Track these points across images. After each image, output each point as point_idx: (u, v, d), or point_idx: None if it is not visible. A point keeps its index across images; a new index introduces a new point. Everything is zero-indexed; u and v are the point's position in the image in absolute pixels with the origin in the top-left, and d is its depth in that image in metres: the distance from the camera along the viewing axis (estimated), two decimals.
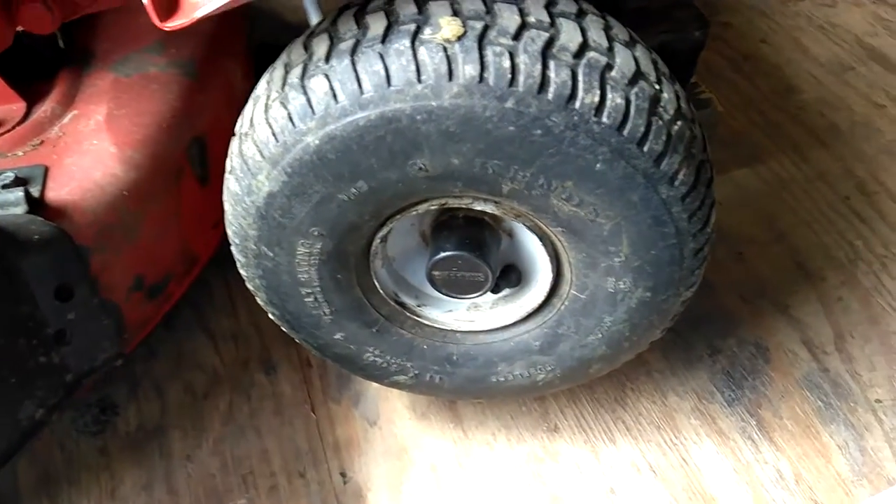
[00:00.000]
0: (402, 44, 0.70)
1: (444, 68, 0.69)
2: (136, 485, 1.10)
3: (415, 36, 0.70)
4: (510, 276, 0.92)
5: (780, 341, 1.20)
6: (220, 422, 1.15)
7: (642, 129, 0.71)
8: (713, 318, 1.23)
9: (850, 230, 1.35)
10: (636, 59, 0.73)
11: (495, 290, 0.93)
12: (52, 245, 0.91)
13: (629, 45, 0.74)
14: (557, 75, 0.69)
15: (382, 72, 0.70)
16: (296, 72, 0.76)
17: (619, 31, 0.76)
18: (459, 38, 0.69)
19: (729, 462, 1.08)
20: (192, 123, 1.10)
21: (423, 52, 0.69)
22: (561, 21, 0.72)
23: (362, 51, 0.71)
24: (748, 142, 1.51)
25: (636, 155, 0.71)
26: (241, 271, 0.90)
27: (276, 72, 0.79)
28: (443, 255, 0.86)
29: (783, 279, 1.28)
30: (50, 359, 0.94)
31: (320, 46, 0.75)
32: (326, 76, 0.72)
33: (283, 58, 0.80)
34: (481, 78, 0.68)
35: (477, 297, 0.91)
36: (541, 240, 0.84)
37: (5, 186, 0.93)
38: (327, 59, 0.73)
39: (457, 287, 0.89)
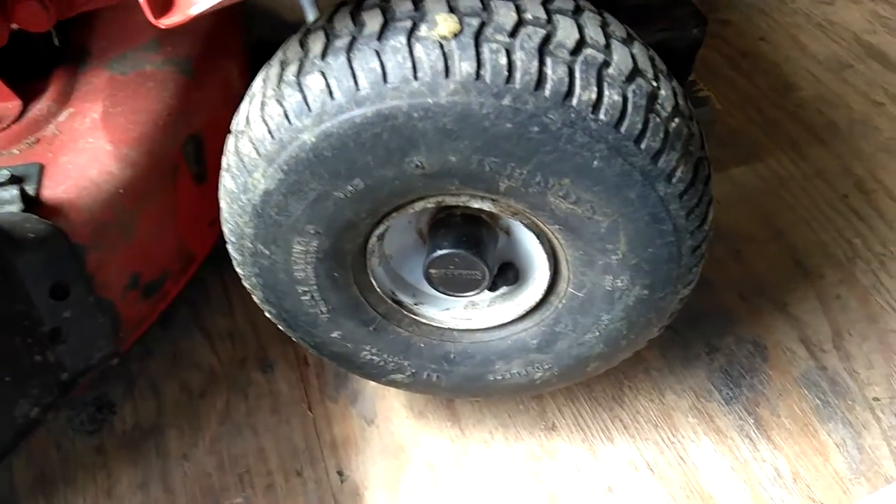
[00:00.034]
0: (399, 41, 0.70)
1: (440, 65, 0.68)
2: (132, 484, 1.09)
3: (411, 33, 0.70)
4: (507, 274, 0.92)
5: (779, 339, 1.20)
6: (217, 421, 1.15)
7: (640, 126, 0.70)
8: (711, 316, 1.23)
9: (849, 228, 1.35)
10: (633, 56, 0.73)
11: (493, 289, 0.93)
12: (48, 243, 0.91)
13: (626, 42, 0.74)
14: (554, 72, 0.68)
15: (379, 69, 0.70)
16: (292, 69, 0.75)
17: (617, 28, 0.75)
18: (456, 35, 0.69)
19: (727, 460, 1.07)
20: (189, 121, 1.09)
21: (419, 48, 0.69)
22: (558, 18, 0.72)
23: (358, 48, 0.71)
24: (746, 139, 1.51)
25: (633, 152, 0.71)
26: (238, 269, 0.90)
27: (272, 69, 0.79)
28: (440, 253, 0.86)
29: (781, 277, 1.28)
30: (45, 357, 0.94)
31: (316, 43, 0.75)
32: (322, 73, 0.72)
33: (279, 55, 0.80)
34: (478, 75, 0.68)
35: (474, 295, 0.91)
36: (538, 237, 0.84)
37: (0, 185, 0.92)
38: (323, 56, 0.73)
39: (454, 285, 0.89)
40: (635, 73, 0.72)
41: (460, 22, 0.69)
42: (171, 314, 1.25)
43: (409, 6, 0.72)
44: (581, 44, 0.70)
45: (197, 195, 1.12)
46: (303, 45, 0.77)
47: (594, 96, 0.69)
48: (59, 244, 0.92)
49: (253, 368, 1.21)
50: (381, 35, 0.71)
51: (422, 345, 0.96)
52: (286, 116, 0.73)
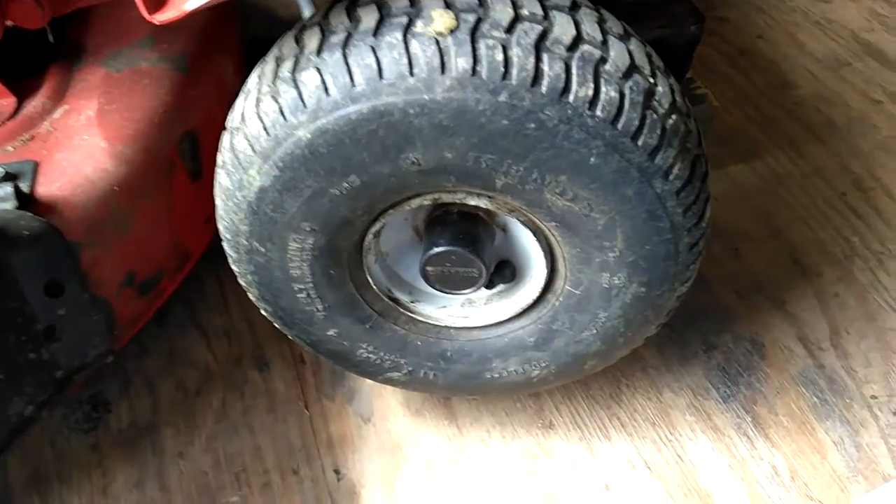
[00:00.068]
0: (394, 37, 0.69)
1: (436, 61, 0.68)
2: (127, 482, 1.09)
3: (407, 29, 0.69)
4: (504, 271, 0.92)
5: (776, 337, 1.20)
6: (213, 419, 1.15)
7: (637, 122, 0.70)
8: (709, 313, 1.23)
9: (847, 226, 1.34)
10: (630, 53, 0.73)
11: (489, 286, 0.92)
12: (42, 241, 0.90)
13: (623, 38, 0.74)
14: (551, 68, 0.68)
15: (374, 65, 0.69)
16: (287, 65, 0.75)
17: (614, 25, 0.75)
18: (452, 31, 0.69)
19: (724, 458, 1.07)
20: (184, 118, 1.09)
21: (415, 45, 0.69)
22: (554, 14, 0.71)
23: (354, 44, 0.71)
24: (744, 137, 1.50)
25: (630, 149, 0.71)
26: (233, 267, 0.89)
27: (267, 65, 0.79)
28: (436, 250, 0.85)
29: (779, 275, 1.28)
30: (40, 355, 0.93)
31: (312, 40, 0.74)
32: (318, 70, 0.71)
33: (274, 51, 0.79)
34: (474, 71, 0.68)
35: (471, 292, 0.91)
36: (535, 235, 0.84)
37: None
38: (319, 52, 0.72)
39: (451, 283, 0.89)
40: (632, 69, 0.71)
41: (456, 18, 0.69)
42: (167, 312, 1.25)
43: (405, 2, 0.71)
44: (578, 40, 0.70)
45: (193, 192, 1.11)
46: (298, 41, 0.76)
47: (591, 93, 0.68)
48: (53, 241, 0.92)
49: (249, 367, 1.21)
50: (376, 31, 0.70)
51: (418, 343, 0.96)
52: (281, 113, 0.73)
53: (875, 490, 1.02)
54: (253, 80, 0.80)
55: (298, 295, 0.88)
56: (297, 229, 0.81)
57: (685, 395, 1.14)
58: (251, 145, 0.76)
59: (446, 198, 0.82)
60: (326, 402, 1.16)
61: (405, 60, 0.68)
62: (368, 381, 1.15)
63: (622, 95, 0.69)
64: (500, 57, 0.67)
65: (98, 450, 1.12)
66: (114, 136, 1.02)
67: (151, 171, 1.04)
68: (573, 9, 0.73)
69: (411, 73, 0.68)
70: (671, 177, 0.73)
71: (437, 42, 0.68)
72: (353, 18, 0.73)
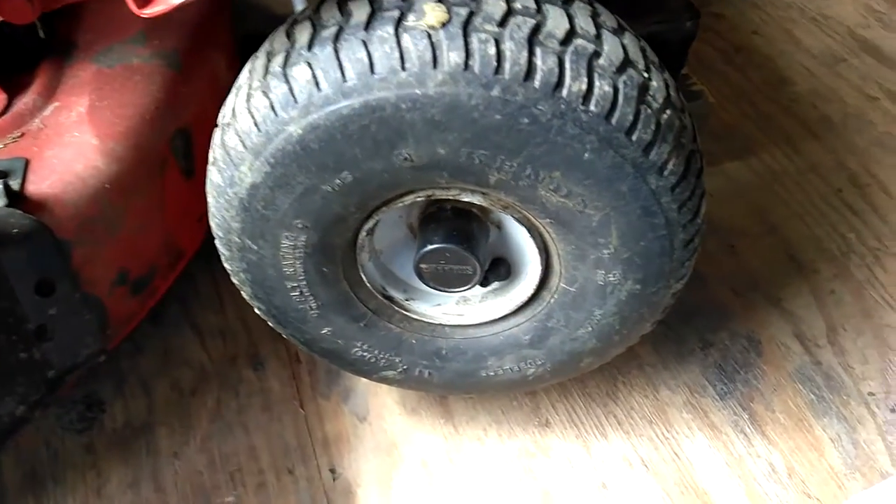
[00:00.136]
0: (386, 31, 0.69)
1: (428, 56, 0.67)
2: (122, 483, 1.08)
3: (398, 23, 0.69)
4: (499, 269, 0.91)
5: (773, 334, 1.19)
6: (208, 419, 1.14)
7: (631, 117, 0.69)
8: (705, 311, 1.22)
9: (843, 223, 1.34)
10: (624, 47, 0.72)
11: (484, 284, 0.92)
12: (32, 239, 0.89)
13: (617, 32, 0.73)
14: (544, 63, 0.67)
15: (366, 59, 0.68)
16: (278, 60, 0.74)
17: (607, 19, 0.74)
18: (444, 25, 0.68)
19: (721, 456, 1.07)
20: (176, 115, 1.08)
21: (406, 39, 0.68)
22: (547, 7, 0.71)
23: (345, 38, 0.70)
24: (740, 134, 1.50)
25: (624, 144, 0.70)
26: (226, 265, 0.88)
27: (258, 60, 0.78)
28: (430, 247, 0.85)
29: (775, 272, 1.28)
30: (31, 355, 0.92)
31: (303, 34, 0.74)
32: (309, 64, 0.71)
33: (265, 46, 0.79)
34: (466, 65, 0.67)
35: (466, 290, 0.90)
36: (529, 232, 0.83)
37: None
38: (310, 46, 0.72)
39: (445, 280, 0.88)
40: (626, 63, 0.71)
41: (448, 12, 0.68)
42: (161, 311, 1.24)
43: None
44: (571, 34, 0.69)
45: (185, 190, 1.10)
46: (289, 35, 0.76)
47: (584, 87, 0.68)
48: (43, 240, 0.91)
49: (244, 366, 1.20)
50: (368, 25, 0.70)
51: (413, 341, 0.95)
52: (272, 108, 0.72)
53: (872, 487, 1.02)
54: (244, 75, 0.79)
55: (292, 293, 0.88)
56: (290, 226, 0.80)
57: (682, 393, 1.13)
58: (242, 141, 0.75)
59: (440, 194, 0.81)
60: (322, 401, 1.16)
61: (397, 55, 0.68)
62: (364, 380, 1.15)
63: (616, 90, 0.69)
64: (492, 51, 0.67)
65: (92, 450, 1.12)
66: (105, 134, 1.01)
67: (143, 168, 1.03)
68: (566, 2, 0.73)
69: (403, 68, 0.68)
70: (666, 172, 0.72)
71: (429, 36, 0.68)
72: (345, 12, 0.72)
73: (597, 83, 0.68)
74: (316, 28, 0.73)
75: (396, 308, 0.94)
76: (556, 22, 0.70)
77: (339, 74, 0.69)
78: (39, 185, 0.94)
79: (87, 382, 1.17)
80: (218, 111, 0.82)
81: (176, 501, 1.06)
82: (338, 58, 0.69)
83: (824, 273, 1.27)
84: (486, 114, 0.68)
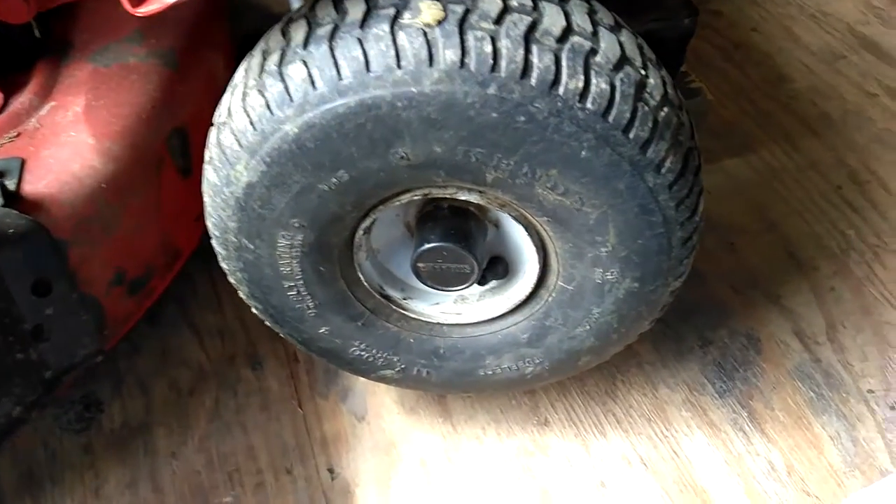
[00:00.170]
0: (382, 28, 0.68)
1: (424, 53, 0.67)
2: (120, 483, 1.08)
3: (394, 20, 0.68)
4: (497, 267, 0.91)
5: (772, 332, 1.19)
6: (206, 418, 1.14)
7: (628, 115, 0.69)
8: (704, 308, 1.22)
9: (842, 220, 1.34)
10: (621, 44, 0.72)
11: (482, 282, 0.91)
12: (29, 239, 0.89)
13: (614, 29, 0.73)
14: (540, 60, 0.67)
15: (361, 57, 0.68)
16: (273, 58, 0.74)
17: (604, 16, 0.74)
18: (440, 23, 0.68)
19: (720, 454, 1.06)
20: (173, 114, 1.08)
21: (402, 36, 0.68)
22: (544, 5, 0.70)
23: (341, 36, 0.70)
24: (739, 131, 1.50)
25: (622, 142, 0.70)
26: (223, 265, 0.88)
27: (253, 59, 0.77)
28: (427, 246, 0.84)
29: (775, 269, 1.27)
30: (28, 355, 0.92)
31: (298, 32, 0.73)
32: (304, 63, 0.70)
33: (261, 45, 0.78)
34: (462, 63, 0.66)
35: (463, 289, 0.90)
36: (527, 230, 0.83)
37: None
38: (305, 44, 0.71)
39: (443, 279, 0.88)
40: (623, 61, 0.70)
41: (444, 9, 0.68)
42: (159, 311, 1.23)
43: None
44: (568, 31, 0.69)
45: (182, 189, 1.10)
46: (285, 33, 0.75)
47: (581, 85, 0.67)
48: (40, 240, 0.91)
49: (242, 365, 1.20)
50: (363, 23, 0.69)
51: (411, 340, 0.95)
52: (268, 107, 0.72)
53: (872, 485, 1.01)
54: (240, 74, 0.79)
55: (289, 293, 0.87)
56: (286, 226, 0.80)
57: (681, 391, 1.13)
58: (238, 140, 0.75)
59: (437, 193, 0.81)
60: (320, 400, 1.15)
61: (392, 52, 0.67)
62: (362, 380, 1.14)
63: (613, 87, 0.68)
64: (488, 49, 0.66)
65: (90, 450, 1.12)
66: (101, 133, 1.01)
67: (140, 167, 1.03)
68: (563, 0, 0.72)
69: (399, 66, 0.67)
70: (663, 170, 0.72)
71: (425, 33, 0.67)
72: (340, 10, 0.72)
73: (593, 81, 0.68)
74: (311, 26, 0.72)
75: (394, 307, 0.94)
76: (553, 19, 0.69)
77: (334, 72, 0.69)
78: (36, 184, 0.94)
79: (85, 383, 1.17)
80: (215, 110, 0.81)
81: (174, 502, 1.06)
82: (333, 56, 0.69)
83: (824, 270, 1.26)
84: (482, 112, 0.68)
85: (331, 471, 1.08)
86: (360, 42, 0.68)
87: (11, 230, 0.87)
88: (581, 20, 0.71)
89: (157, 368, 1.20)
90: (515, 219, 0.82)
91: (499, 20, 0.68)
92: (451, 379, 0.98)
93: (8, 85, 1.06)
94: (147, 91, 1.06)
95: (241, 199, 0.78)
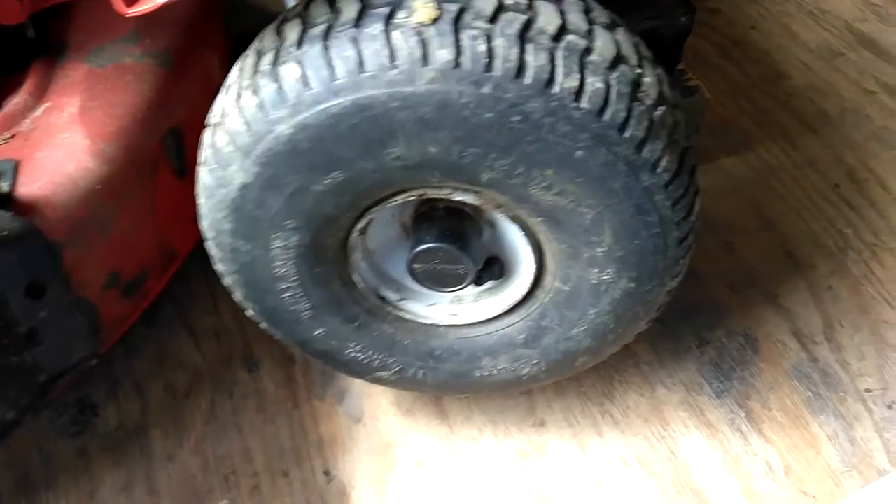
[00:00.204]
0: (376, 28, 0.68)
1: (418, 53, 0.66)
2: (115, 486, 1.07)
3: (388, 19, 0.68)
4: (493, 268, 0.90)
5: (770, 331, 1.19)
6: (202, 421, 1.13)
7: (623, 114, 0.68)
8: (702, 308, 1.22)
9: (840, 218, 1.33)
10: (617, 43, 0.71)
11: (478, 283, 0.91)
12: (23, 241, 0.89)
13: (610, 28, 0.72)
14: (535, 59, 0.67)
15: (355, 57, 0.68)
16: (267, 58, 0.73)
17: (600, 14, 0.73)
18: (434, 22, 0.67)
19: (717, 454, 1.06)
20: (168, 114, 1.07)
21: (396, 36, 0.67)
22: (539, 3, 0.70)
23: (335, 35, 0.69)
24: (737, 129, 1.49)
25: (617, 141, 0.69)
26: (217, 267, 0.88)
27: (248, 59, 0.77)
28: (423, 247, 0.84)
29: (772, 268, 1.27)
30: (22, 358, 0.92)
31: (292, 32, 0.73)
32: (298, 62, 0.70)
33: (255, 44, 0.78)
34: (457, 62, 0.66)
35: (459, 290, 0.89)
36: (523, 230, 0.82)
37: None
38: (299, 44, 0.71)
39: (438, 280, 0.87)
40: (618, 60, 0.70)
41: (439, 8, 0.67)
42: (155, 313, 1.23)
43: None
44: (562, 30, 0.69)
45: (178, 190, 1.10)
46: (279, 33, 0.75)
47: (576, 84, 0.67)
48: (34, 242, 0.90)
49: (238, 367, 1.19)
50: (357, 22, 0.69)
51: (407, 341, 0.94)
52: (262, 107, 0.72)
53: (869, 485, 1.01)
54: (234, 74, 0.78)
55: (284, 294, 0.87)
56: (281, 227, 0.79)
57: (678, 391, 1.13)
58: (232, 141, 0.75)
59: (432, 193, 0.80)
60: (316, 402, 1.15)
61: (386, 52, 0.67)
62: (359, 381, 1.14)
63: (608, 87, 0.68)
64: (482, 48, 0.66)
65: (85, 453, 1.11)
66: (96, 134, 1.00)
67: (135, 168, 1.03)
68: None
69: (393, 66, 0.67)
70: (659, 169, 0.72)
71: (419, 33, 0.67)
72: (335, 9, 0.71)
73: (589, 80, 0.67)
74: (305, 25, 0.72)
75: (390, 308, 0.93)
76: (548, 18, 0.69)
77: (328, 72, 0.68)
78: (30, 186, 0.94)
79: (80, 385, 1.17)
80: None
81: None
82: (327, 56, 0.69)
83: (821, 269, 1.26)
84: (477, 112, 0.67)
85: (327, 473, 1.08)
86: (354, 41, 0.68)
87: (5, 232, 0.87)
88: (576, 18, 0.71)
89: (152, 370, 1.20)
90: (511, 219, 0.82)
91: (493, 19, 0.67)
92: (447, 380, 0.98)
93: (2, 86, 1.05)
94: (142, 91, 1.05)
95: (235, 201, 0.77)
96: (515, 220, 0.81)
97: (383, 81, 0.67)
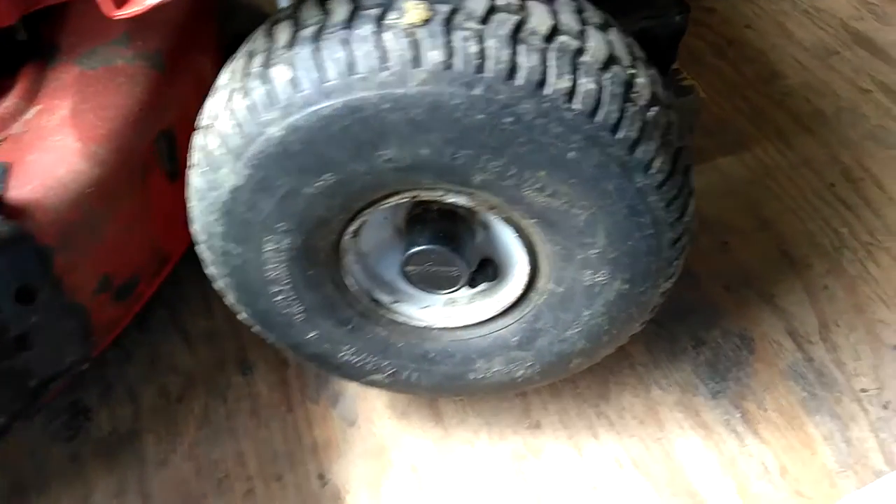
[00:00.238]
0: (366, 29, 0.67)
1: (409, 54, 0.66)
2: (108, 492, 1.07)
3: (379, 21, 0.68)
4: (487, 270, 0.90)
5: (765, 331, 1.18)
6: (195, 425, 1.13)
7: (616, 115, 0.68)
8: (697, 308, 1.21)
9: (836, 217, 1.33)
10: (609, 43, 0.71)
11: (472, 285, 0.90)
12: (13, 245, 0.88)
13: (602, 28, 0.72)
14: (527, 60, 0.66)
15: (346, 59, 0.67)
16: (258, 60, 0.73)
17: (592, 15, 0.73)
18: (425, 23, 0.67)
19: (713, 456, 1.06)
20: (160, 117, 1.06)
21: (387, 37, 0.67)
22: (531, 4, 0.69)
23: (325, 37, 0.69)
24: (732, 129, 1.49)
25: (610, 142, 0.69)
26: (208, 271, 0.87)
27: (238, 61, 0.76)
28: (416, 249, 0.84)
29: (768, 268, 1.26)
30: (12, 363, 0.91)
31: (283, 33, 0.72)
32: (288, 64, 0.69)
33: (246, 46, 0.77)
34: (448, 64, 0.66)
35: (453, 292, 0.89)
36: (516, 232, 0.82)
37: None
38: (290, 45, 0.70)
39: (432, 282, 0.87)
40: (611, 60, 0.69)
41: (430, 9, 0.67)
42: (148, 316, 1.22)
43: None
44: (555, 31, 0.68)
45: (170, 193, 1.09)
46: (270, 34, 0.74)
47: (568, 85, 0.67)
48: (24, 246, 0.89)
49: (232, 371, 1.19)
50: (348, 23, 0.68)
51: (401, 344, 0.94)
52: (252, 109, 0.71)
53: (865, 486, 1.01)
54: (224, 76, 0.78)
55: (276, 298, 0.86)
56: (273, 230, 0.79)
57: (674, 392, 1.12)
58: (223, 144, 0.74)
59: (425, 195, 0.80)
60: (311, 405, 1.14)
61: (377, 54, 0.66)
62: (353, 384, 1.13)
63: (601, 87, 0.68)
64: (474, 49, 0.65)
65: (78, 459, 1.10)
66: (87, 137, 0.99)
67: (127, 171, 1.02)
68: None
69: (384, 67, 0.66)
70: (652, 171, 0.71)
71: (410, 34, 0.66)
72: (326, 10, 0.71)
73: (581, 81, 0.67)
74: (296, 27, 0.71)
75: (383, 311, 0.93)
76: (540, 18, 0.69)
77: (319, 74, 0.68)
78: (20, 190, 0.93)
79: (73, 390, 1.16)
80: None
81: None
82: (318, 57, 0.68)
83: (817, 268, 1.26)
84: (468, 113, 0.67)
85: (321, 477, 1.07)
86: (345, 43, 0.67)
87: None
88: (568, 19, 0.70)
89: (145, 374, 1.19)
90: (505, 221, 0.81)
91: (485, 20, 0.67)
92: (441, 383, 0.97)
93: None
94: (134, 94, 1.05)
95: (226, 204, 0.77)
96: (509, 221, 0.81)
97: (374, 83, 0.67)
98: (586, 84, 0.67)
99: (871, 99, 1.53)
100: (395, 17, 0.67)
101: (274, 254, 0.81)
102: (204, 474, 1.07)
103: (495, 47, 0.66)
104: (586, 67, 0.68)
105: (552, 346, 0.90)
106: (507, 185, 0.73)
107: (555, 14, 0.70)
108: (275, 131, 0.71)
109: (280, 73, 0.70)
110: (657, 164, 0.71)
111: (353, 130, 0.69)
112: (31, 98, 1.05)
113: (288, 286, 0.85)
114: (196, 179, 0.79)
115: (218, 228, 0.80)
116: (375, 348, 0.94)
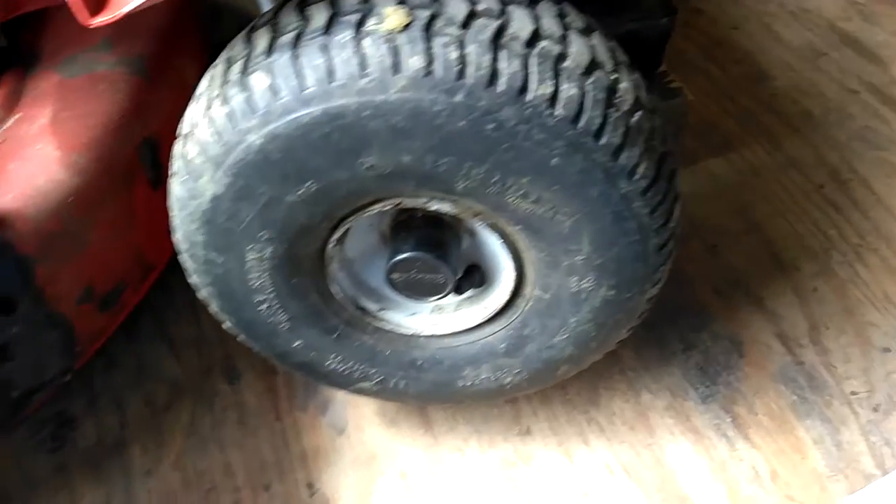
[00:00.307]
0: (346, 35, 0.66)
1: (388, 61, 0.65)
2: (94, 503, 1.05)
3: (358, 27, 0.67)
4: (473, 276, 0.89)
5: (755, 335, 1.18)
6: (182, 435, 1.11)
7: (598, 121, 0.67)
8: (687, 312, 1.21)
9: (825, 219, 1.33)
10: (592, 48, 0.70)
11: (459, 292, 0.89)
12: None
13: (584, 33, 0.71)
14: (508, 66, 0.65)
15: (325, 65, 0.66)
16: (237, 67, 0.72)
17: (575, 19, 0.72)
18: (405, 28, 0.66)
19: (703, 461, 1.05)
20: (143, 124, 1.05)
21: (366, 43, 0.66)
22: (512, 9, 0.69)
23: (304, 43, 0.68)
24: (720, 130, 1.49)
25: (593, 148, 0.68)
26: (192, 280, 0.86)
27: (217, 68, 0.76)
28: (401, 256, 0.83)
29: (757, 271, 1.26)
30: None
31: (262, 39, 0.71)
32: (267, 71, 0.68)
33: (225, 53, 0.76)
34: (428, 70, 0.65)
35: (439, 299, 0.88)
36: (502, 239, 0.81)
37: None
38: (268, 52, 0.70)
39: (418, 289, 0.86)
40: (593, 65, 0.69)
41: (410, 14, 0.66)
42: (134, 324, 1.21)
43: None
44: (536, 36, 0.68)
45: (154, 201, 1.08)
46: (249, 41, 0.73)
47: (550, 91, 0.66)
48: (4, 256, 0.88)
49: (219, 379, 1.17)
50: (327, 30, 0.68)
51: (388, 352, 0.93)
52: (232, 117, 0.70)
53: (856, 492, 1.00)
54: (204, 83, 0.77)
55: (260, 307, 0.85)
56: (255, 238, 0.78)
57: (664, 397, 1.12)
58: (202, 152, 0.73)
59: (409, 202, 0.79)
60: (299, 414, 1.13)
61: (357, 60, 0.66)
62: (342, 392, 1.12)
63: (583, 93, 0.67)
64: (454, 55, 0.65)
65: (64, 469, 1.09)
66: (68, 145, 0.98)
67: (109, 180, 1.01)
68: (532, 3, 0.71)
69: (364, 74, 0.65)
70: (636, 176, 0.70)
71: (390, 40, 0.65)
72: (304, 16, 0.70)
73: (563, 86, 0.66)
74: (275, 33, 0.71)
75: (370, 319, 0.92)
76: (521, 24, 0.68)
77: (298, 81, 0.67)
78: (0, 199, 0.92)
79: (58, 399, 1.14)
80: None
81: None
82: (297, 64, 0.67)
83: (806, 271, 1.26)
84: (450, 120, 0.66)
85: (310, 486, 1.06)
86: (324, 49, 0.66)
87: None
88: (550, 24, 0.69)
89: (131, 383, 1.18)
90: (490, 227, 0.80)
91: (465, 25, 0.66)
92: (429, 390, 0.97)
93: None
94: (116, 101, 1.04)
95: (207, 213, 0.76)
96: (494, 228, 0.80)
97: (354, 90, 0.66)
98: (568, 90, 0.66)
99: (858, 100, 1.53)
100: (374, 23, 0.67)
101: (257, 262, 0.80)
102: (191, 485, 1.06)
103: (476, 53, 0.65)
104: (568, 73, 0.67)
105: (540, 353, 0.89)
106: (490, 192, 0.72)
107: (536, 19, 0.69)
108: (254, 139, 0.70)
109: (259, 81, 0.69)
110: (641, 169, 0.71)
111: (333, 138, 0.68)
112: (10, 106, 1.04)
113: (272, 295, 0.84)
114: (177, 188, 0.78)
115: (199, 237, 0.79)
116: (362, 356, 0.93)
